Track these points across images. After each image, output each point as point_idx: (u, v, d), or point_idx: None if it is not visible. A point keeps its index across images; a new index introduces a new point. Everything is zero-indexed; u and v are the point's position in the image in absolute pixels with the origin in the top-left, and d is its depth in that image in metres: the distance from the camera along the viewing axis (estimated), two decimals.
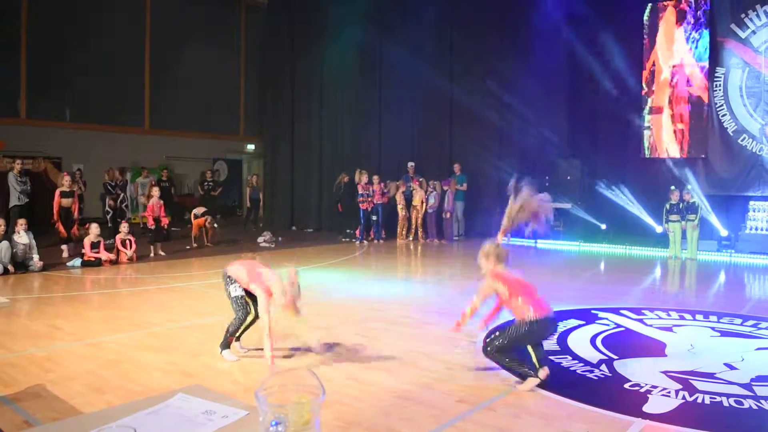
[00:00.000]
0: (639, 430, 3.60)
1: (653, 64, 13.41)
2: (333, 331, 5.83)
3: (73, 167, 15.84)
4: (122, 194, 13.75)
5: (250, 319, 4.99)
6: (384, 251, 12.71)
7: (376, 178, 14.21)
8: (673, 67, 13.17)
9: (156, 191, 11.75)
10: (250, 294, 4.89)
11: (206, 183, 16.77)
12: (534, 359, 4.35)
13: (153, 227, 11.37)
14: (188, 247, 12.40)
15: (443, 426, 3.65)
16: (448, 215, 14.04)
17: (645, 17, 13.47)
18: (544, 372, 4.27)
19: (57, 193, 10.97)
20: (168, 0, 18.62)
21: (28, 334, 5.69)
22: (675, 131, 13.24)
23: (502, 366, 4.38)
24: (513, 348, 4.35)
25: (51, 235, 11.53)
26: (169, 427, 1.65)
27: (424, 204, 14.13)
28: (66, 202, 10.92)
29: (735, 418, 3.80)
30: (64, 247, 10.78)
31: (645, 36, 13.48)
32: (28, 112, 16.14)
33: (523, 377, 4.29)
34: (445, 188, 13.99)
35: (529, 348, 4.36)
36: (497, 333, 4.43)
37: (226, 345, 4.96)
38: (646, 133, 13.52)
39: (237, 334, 5.01)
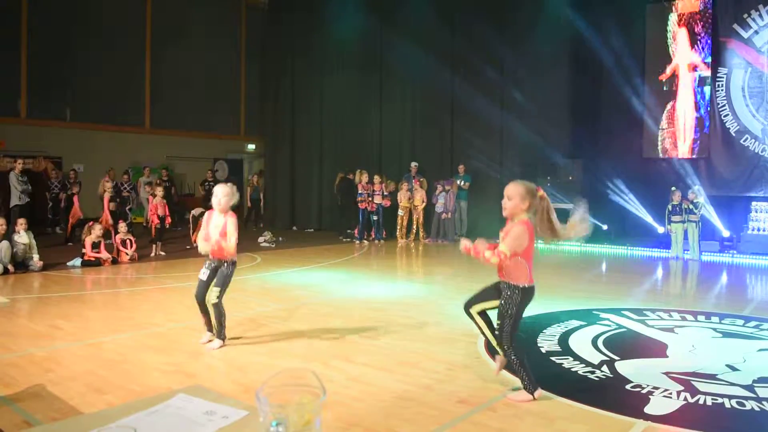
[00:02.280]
0: (640, 431, 3.59)
1: (655, 64, 13.40)
2: (333, 331, 5.82)
3: (73, 167, 15.84)
4: (124, 196, 13.66)
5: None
6: (384, 251, 12.71)
7: (377, 178, 14.18)
8: (676, 66, 13.16)
9: (160, 191, 11.76)
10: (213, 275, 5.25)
11: (207, 183, 16.78)
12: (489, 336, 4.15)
13: (158, 226, 11.37)
14: (188, 247, 12.38)
15: (444, 426, 3.64)
16: (449, 215, 14.02)
17: (647, 16, 13.46)
18: (539, 392, 4.01)
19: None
20: (168, 0, 18.61)
21: (28, 334, 5.68)
22: (677, 132, 13.23)
23: (516, 366, 4.00)
24: (517, 328, 4.00)
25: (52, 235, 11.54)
26: (170, 428, 1.64)
27: (425, 204, 14.12)
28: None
29: (737, 420, 3.78)
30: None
31: (647, 35, 13.47)
32: (29, 111, 16.14)
33: (528, 387, 3.98)
34: (447, 188, 13.97)
35: (483, 323, 4.13)
36: (499, 322, 4.02)
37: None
38: (648, 133, 13.51)
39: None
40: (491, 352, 4.30)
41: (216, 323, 5.23)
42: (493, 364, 4.73)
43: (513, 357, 3.99)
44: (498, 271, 4.00)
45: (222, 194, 5.17)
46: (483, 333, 4.21)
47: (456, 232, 14.09)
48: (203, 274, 5.24)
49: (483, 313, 4.16)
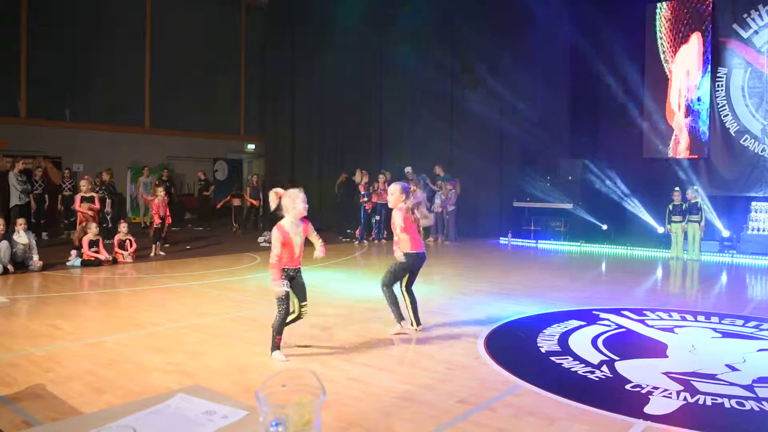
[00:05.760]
0: (640, 431, 3.59)
1: (655, 64, 13.40)
2: (333, 331, 5.82)
3: (73, 167, 15.83)
4: (107, 195, 13.29)
5: (291, 317, 4.96)
6: (385, 251, 12.69)
7: (382, 177, 14.12)
8: (675, 66, 13.17)
9: (161, 191, 11.74)
10: (292, 287, 4.92)
11: (199, 182, 16.96)
12: (411, 315, 5.73)
13: (158, 225, 11.37)
14: (188, 247, 12.40)
15: (443, 426, 3.64)
16: (447, 216, 14.00)
17: (647, 16, 13.47)
18: (419, 329, 5.73)
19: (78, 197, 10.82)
20: (168, 0, 18.61)
21: (27, 333, 5.68)
22: (677, 132, 13.24)
23: (388, 302, 5.70)
24: (396, 279, 5.72)
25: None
26: (169, 428, 1.64)
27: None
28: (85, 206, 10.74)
29: (736, 420, 3.78)
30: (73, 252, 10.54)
31: (647, 35, 13.48)
32: (28, 111, 16.13)
33: (396, 319, 5.66)
34: (450, 188, 13.93)
35: (408, 301, 5.73)
36: (386, 271, 5.78)
37: (275, 347, 4.88)
38: (648, 133, 13.52)
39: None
40: (418, 324, 5.76)
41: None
42: (490, 361, 4.75)
43: (386, 295, 5.72)
44: (394, 245, 5.81)
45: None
46: (409, 309, 5.76)
47: (442, 232, 14.07)
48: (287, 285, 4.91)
49: (410, 292, 5.78)
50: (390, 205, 5.86)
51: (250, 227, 16.62)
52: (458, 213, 14.03)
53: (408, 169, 14.41)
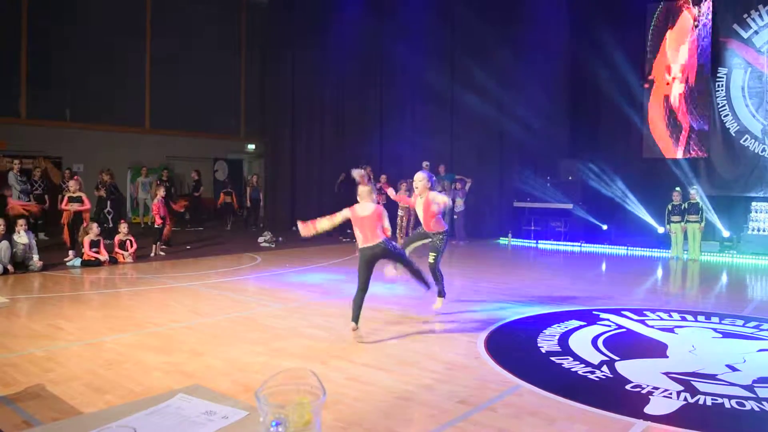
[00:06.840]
0: (640, 431, 3.59)
1: (655, 63, 13.41)
2: (333, 331, 5.82)
3: (73, 166, 15.83)
4: (108, 195, 13.20)
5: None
6: None
7: (383, 177, 14.10)
8: (675, 66, 13.17)
9: (161, 191, 11.74)
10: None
11: (193, 183, 17.05)
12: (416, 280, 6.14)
13: (160, 226, 11.37)
14: (188, 246, 12.40)
15: (443, 426, 3.64)
16: (456, 216, 13.95)
17: (647, 17, 13.48)
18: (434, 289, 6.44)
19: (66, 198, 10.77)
20: (168, 0, 18.61)
21: (28, 334, 5.68)
22: (677, 131, 13.24)
23: (437, 280, 6.42)
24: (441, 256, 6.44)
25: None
26: (170, 428, 1.64)
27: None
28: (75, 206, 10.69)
29: (737, 420, 3.79)
30: (70, 252, 10.50)
31: (647, 35, 13.49)
32: (29, 111, 16.13)
33: (440, 294, 6.52)
34: (458, 188, 13.88)
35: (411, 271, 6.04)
36: (432, 253, 6.41)
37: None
38: (648, 133, 13.52)
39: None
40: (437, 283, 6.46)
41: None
42: (490, 361, 4.76)
43: (437, 274, 6.43)
44: (426, 227, 6.38)
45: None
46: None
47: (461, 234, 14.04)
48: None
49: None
50: (417, 192, 6.32)
51: (251, 223, 16.65)
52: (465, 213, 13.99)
53: (426, 164, 14.26)
